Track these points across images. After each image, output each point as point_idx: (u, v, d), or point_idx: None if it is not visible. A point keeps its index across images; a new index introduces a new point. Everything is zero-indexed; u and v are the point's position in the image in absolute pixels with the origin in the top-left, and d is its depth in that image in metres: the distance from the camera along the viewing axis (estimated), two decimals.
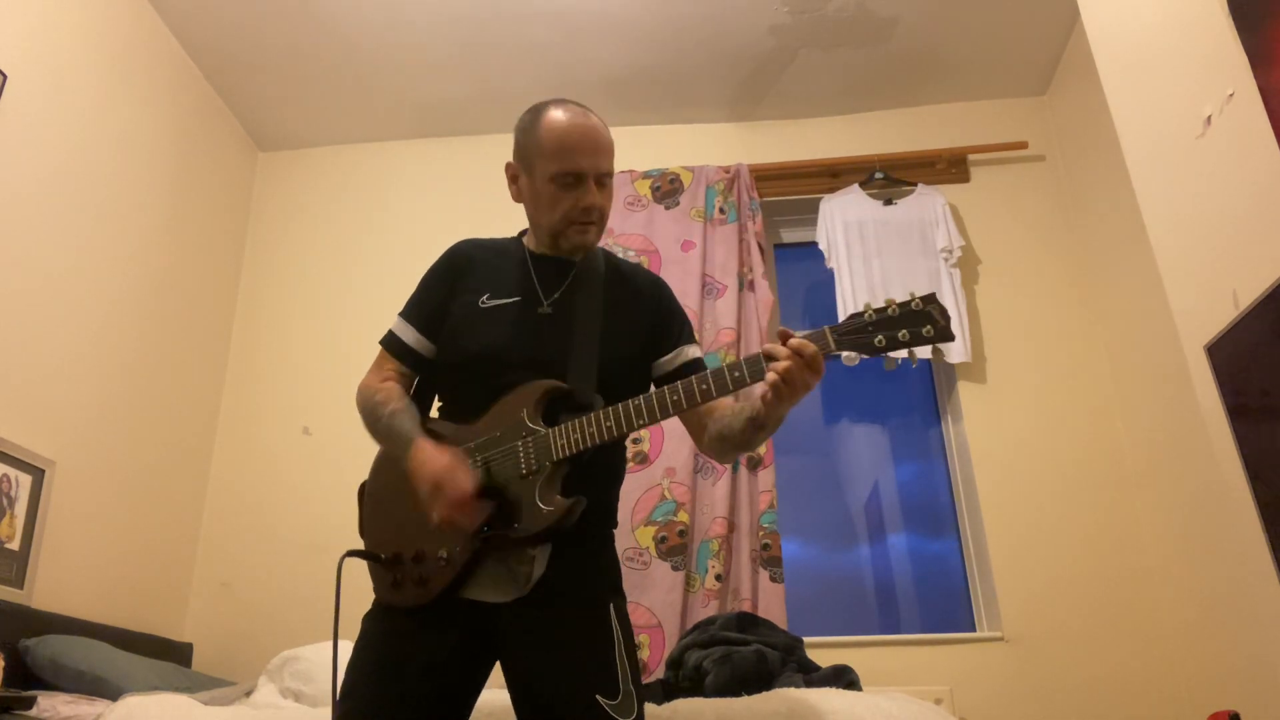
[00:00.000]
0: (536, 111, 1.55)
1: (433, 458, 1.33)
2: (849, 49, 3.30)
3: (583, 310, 1.49)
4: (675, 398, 1.32)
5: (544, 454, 1.34)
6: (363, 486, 1.51)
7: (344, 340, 3.40)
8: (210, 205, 3.42)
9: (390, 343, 1.57)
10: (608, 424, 1.33)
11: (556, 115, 1.52)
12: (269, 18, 3.11)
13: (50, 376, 2.53)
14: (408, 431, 1.41)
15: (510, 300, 1.50)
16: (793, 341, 1.24)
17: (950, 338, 1.28)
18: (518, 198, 1.58)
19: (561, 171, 1.47)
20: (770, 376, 1.25)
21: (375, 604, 1.44)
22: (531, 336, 1.46)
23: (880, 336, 1.26)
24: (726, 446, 1.46)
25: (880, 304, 1.28)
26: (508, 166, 1.58)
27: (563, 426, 1.34)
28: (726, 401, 1.42)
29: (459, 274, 1.56)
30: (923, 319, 1.26)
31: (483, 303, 1.51)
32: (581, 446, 1.33)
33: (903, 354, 3.13)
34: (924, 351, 3.13)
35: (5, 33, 2.42)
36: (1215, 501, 2.48)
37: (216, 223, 3.47)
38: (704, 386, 1.31)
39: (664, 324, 1.55)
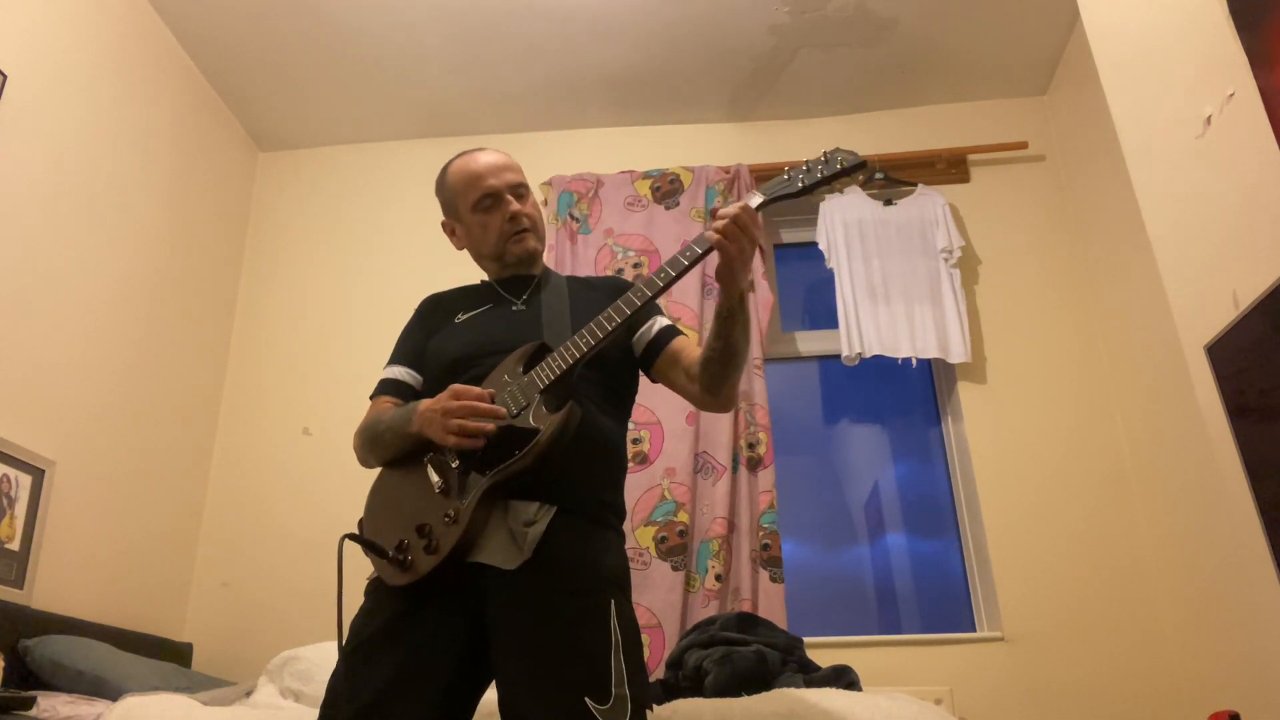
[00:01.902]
0: (442, 170, 1.74)
1: (441, 395, 1.41)
2: (849, 49, 3.31)
3: (551, 303, 1.60)
4: (639, 293, 1.41)
5: (530, 390, 1.40)
6: (360, 523, 1.50)
7: (344, 340, 3.40)
8: (210, 205, 3.42)
9: (381, 386, 1.65)
10: (584, 339, 1.40)
11: (457, 161, 1.71)
12: (269, 18, 3.11)
13: (50, 376, 2.53)
14: (410, 407, 1.48)
15: (484, 308, 1.64)
16: (723, 210, 1.38)
17: (863, 164, 1.46)
18: (460, 246, 1.74)
19: (479, 197, 1.64)
20: (711, 236, 1.37)
21: (365, 607, 1.43)
22: (507, 327, 1.57)
23: (800, 178, 1.46)
24: (713, 366, 1.49)
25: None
26: (443, 225, 1.74)
27: (543, 362, 1.42)
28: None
29: (431, 316, 1.69)
30: (833, 161, 1.46)
31: (458, 319, 1.63)
32: (565, 367, 1.39)
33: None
34: (924, 349, 3.13)
35: (5, 33, 2.42)
36: (1215, 501, 2.48)
37: (216, 223, 3.47)
38: (662, 274, 1.42)
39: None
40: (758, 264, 3.25)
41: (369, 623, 1.39)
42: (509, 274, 1.69)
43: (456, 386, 1.40)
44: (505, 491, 1.37)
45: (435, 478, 1.40)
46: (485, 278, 1.74)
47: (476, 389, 1.40)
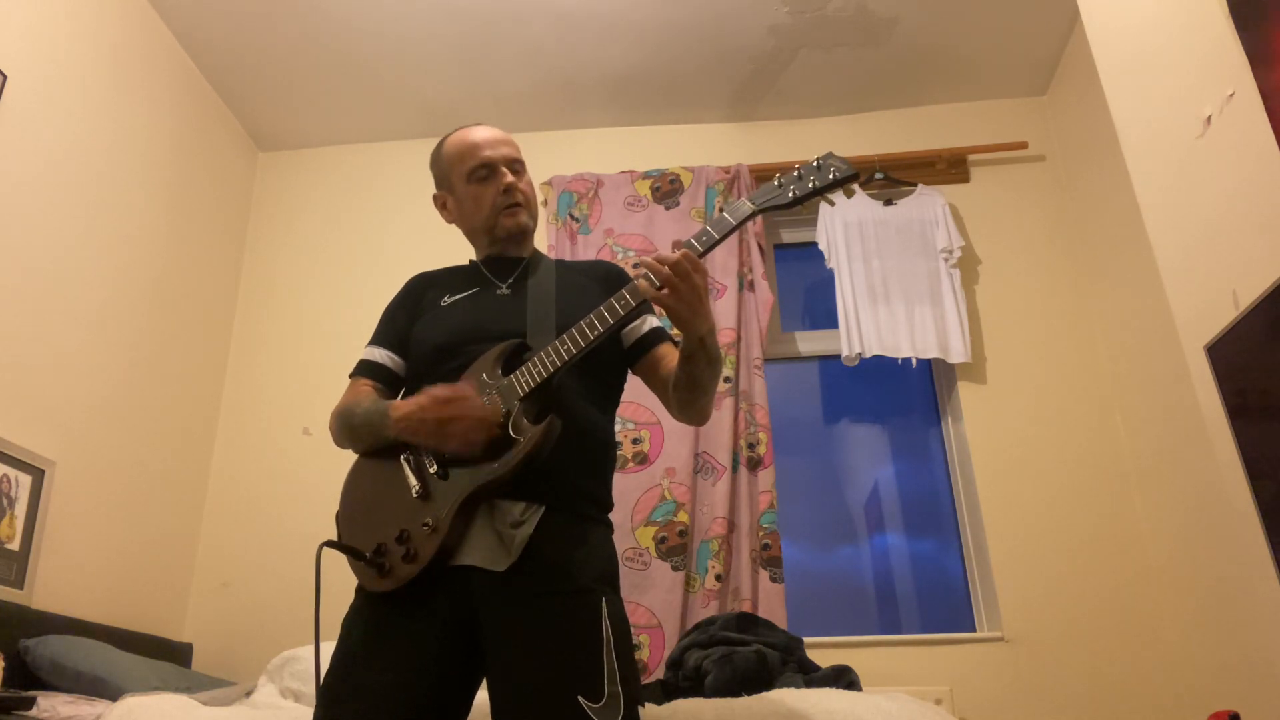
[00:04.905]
0: (439, 143, 1.71)
1: (422, 395, 1.39)
2: (849, 49, 3.31)
3: (538, 288, 1.58)
4: (615, 304, 1.38)
5: (510, 396, 1.38)
6: (337, 516, 1.50)
7: (344, 340, 3.37)
8: (210, 205, 3.42)
9: (360, 367, 1.63)
10: (565, 346, 1.38)
11: (454, 133, 1.69)
12: (269, 17, 3.11)
13: (50, 376, 2.53)
14: (386, 404, 1.46)
15: (469, 292, 1.61)
16: (658, 255, 1.33)
17: (855, 175, 1.45)
18: (450, 220, 1.71)
19: (474, 167, 1.61)
20: (645, 289, 1.34)
21: (353, 607, 1.42)
22: (491, 313, 1.55)
23: (792, 189, 1.44)
24: (680, 392, 1.48)
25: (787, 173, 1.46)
26: (435, 198, 1.71)
27: (523, 368, 1.39)
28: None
29: (418, 297, 1.66)
30: (825, 170, 1.44)
31: (443, 302, 1.60)
32: (544, 375, 1.37)
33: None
34: (924, 350, 3.13)
35: (5, 33, 2.42)
36: (1215, 501, 2.48)
37: (216, 223, 3.47)
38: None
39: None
40: (758, 263, 3.25)
41: (356, 623, 1.39)
42: (498, 251, 1.65)
43: (442, 395, 1.37)
44: (487, 494, 1.36)
45: (413, 480, 1.38)
46: (473, 257, 1.72)
47: (473, 399, 1.36)
